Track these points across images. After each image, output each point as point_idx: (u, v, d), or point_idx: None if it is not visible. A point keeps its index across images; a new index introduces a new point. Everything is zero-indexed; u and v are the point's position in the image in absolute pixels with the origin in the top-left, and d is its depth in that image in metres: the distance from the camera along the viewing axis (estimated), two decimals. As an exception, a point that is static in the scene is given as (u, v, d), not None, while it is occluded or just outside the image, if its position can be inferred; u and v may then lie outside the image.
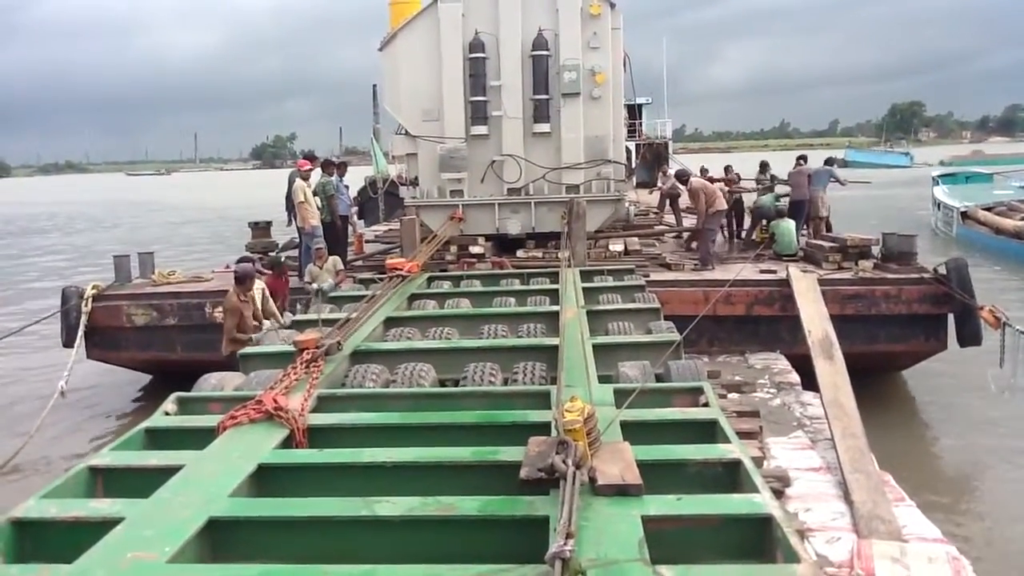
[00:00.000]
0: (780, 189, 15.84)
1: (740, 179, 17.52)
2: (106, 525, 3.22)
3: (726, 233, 15.91)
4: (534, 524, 3.15)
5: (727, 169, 18.10)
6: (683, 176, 14.41)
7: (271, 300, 9.48)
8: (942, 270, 10.78)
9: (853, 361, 8.83)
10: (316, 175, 13.02)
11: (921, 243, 12.76)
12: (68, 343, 11.47)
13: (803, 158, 15.98)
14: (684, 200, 15.83)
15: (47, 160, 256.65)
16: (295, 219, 12.75)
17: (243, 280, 8.93)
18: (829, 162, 16.11)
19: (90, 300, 11.58)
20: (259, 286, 9.37)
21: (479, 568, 2.78)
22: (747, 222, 15.84)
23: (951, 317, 10.70)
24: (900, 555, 5.33)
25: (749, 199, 16.47)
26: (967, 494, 8.48)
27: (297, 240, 13.56)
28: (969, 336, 10.46)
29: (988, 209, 26.18)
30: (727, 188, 15.16)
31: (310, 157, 13.50)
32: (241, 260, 11.38)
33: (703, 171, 20.06)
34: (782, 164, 17.61)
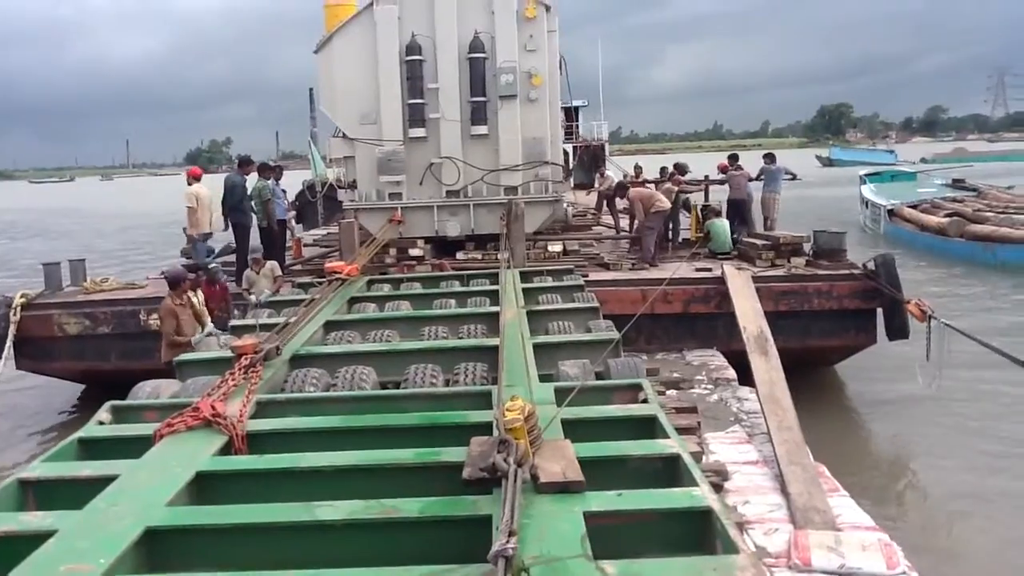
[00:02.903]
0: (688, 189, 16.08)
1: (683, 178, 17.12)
2: (38, 539, 3.13)
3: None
4: (477, 523, 3.16)
5: (665, 170, 18.10)
6: (622, 188, 14.82)
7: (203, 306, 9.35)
8: (871, 266, 11.08)
9: (787, 356, 9.03)
10: (253, 179, 12.89)
11: (850, 240, 13.09)
12: (-5, 354, 11.13)
13: (734, 157, 16.21)
14: (621, 201, 15.96)
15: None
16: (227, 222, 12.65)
17: (175, 283, 8.80)
18: (770, 159, 15.94)
19: (19, 309, 11.25)
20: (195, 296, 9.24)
21: (423, 569, 2.78)
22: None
23: (880, 311, 10.99)
24: (835, 544, 5.46)
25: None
26: (898, 482, 8.75)
27: (233, 245, 13.36)
28: (897, 330, 10.73)
29: (913, 207, 27.00)
30: (675, 188, 15.16)
31: (246, 161, 13.34)
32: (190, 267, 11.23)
33: (637, 171, 20.29)
34: (713, 164, 17.72)
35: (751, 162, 16.71)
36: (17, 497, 3.81)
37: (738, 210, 14.68)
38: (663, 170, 18.33)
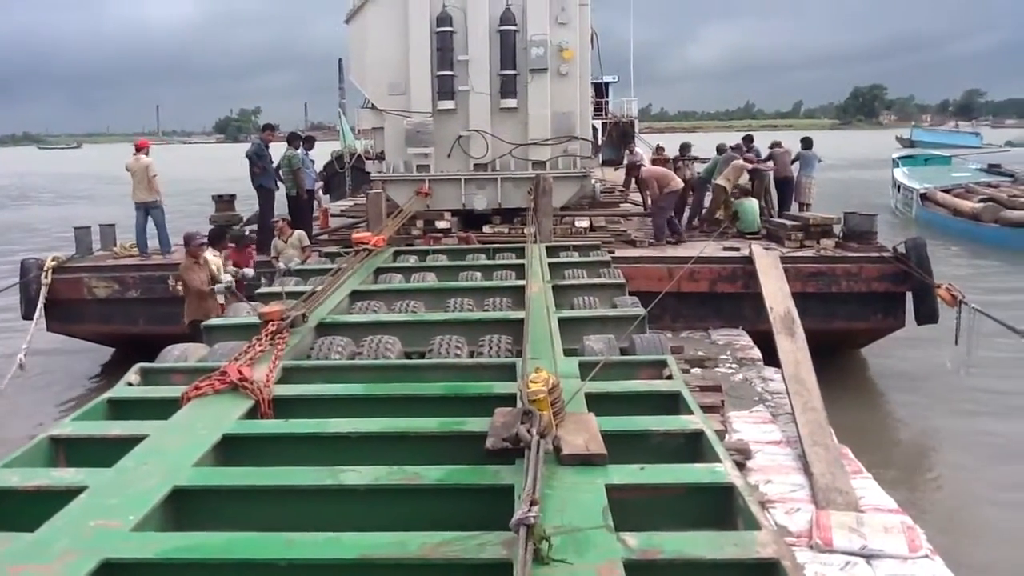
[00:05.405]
0: (699, 166, 15.83)
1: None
2: (69, 494, 3.18)
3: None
4: (499, 493, 3.17)
5: (689, 146, 17.50)
6: (633, 169, 14.83)
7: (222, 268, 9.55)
8: (902, 249, 10.95)
9: (813, 338, 8.96)
10: (282, 148, 12.96)
11: (881, 223, 12.93)
12: (27, 315, 11.33)
13: (749, 139, 15.97)
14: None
15: (4, 132, 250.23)
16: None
17: (187, 244, 8.97)
18: (806, 143, 15.76)
19: (50, 272, 11.42)
20: (216, 259, 9.37)
21: (444, 535, 2.80)
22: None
23: (909, 295, 10.88)
24: (857, 525, 5.45)
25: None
26: (922, 466, 8.70)
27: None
28: (927, 314, 10.63)
29: (947, 191, 26.57)
30: (748, 166, 14.81)
31: (265, 128, 13.41)
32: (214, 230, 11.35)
33: (659, 151, 20.14)
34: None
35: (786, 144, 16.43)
36: (48, 453, 3.87)
37: (783, 188, 14.57)
38: (685, 146, 17.72)
